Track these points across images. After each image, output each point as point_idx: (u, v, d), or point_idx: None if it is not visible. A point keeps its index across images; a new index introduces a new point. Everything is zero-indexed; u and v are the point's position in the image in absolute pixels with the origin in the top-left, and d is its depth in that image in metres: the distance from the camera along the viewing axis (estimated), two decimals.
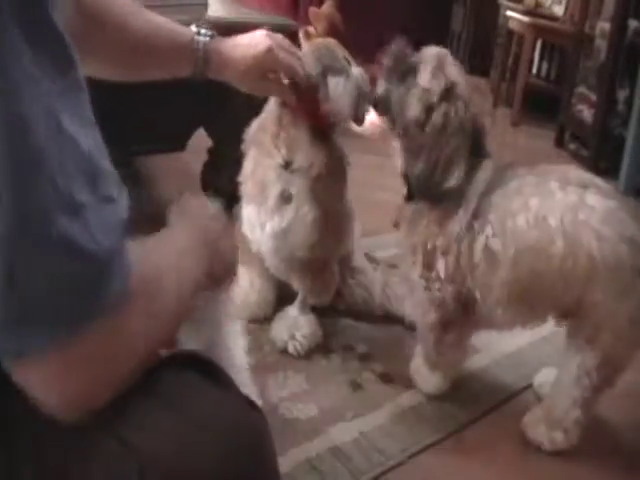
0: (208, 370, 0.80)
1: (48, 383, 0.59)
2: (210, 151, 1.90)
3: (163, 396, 0.74)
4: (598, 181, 1.22)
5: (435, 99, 1.21)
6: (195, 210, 0.90)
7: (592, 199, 1.16)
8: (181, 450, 0.68)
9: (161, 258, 0.72)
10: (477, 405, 1.40)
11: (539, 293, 1.20)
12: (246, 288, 1.59)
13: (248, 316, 1.59)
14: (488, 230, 1.19)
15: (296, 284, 1.54)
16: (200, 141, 1.91)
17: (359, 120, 1.37)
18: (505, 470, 1.25)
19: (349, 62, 1.40)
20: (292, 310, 1.54)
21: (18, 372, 0.58)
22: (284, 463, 1.14)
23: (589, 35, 3.45)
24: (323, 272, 1.52)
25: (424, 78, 1.22)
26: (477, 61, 5.09)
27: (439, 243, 1.23)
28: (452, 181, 1.20)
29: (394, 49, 1.27)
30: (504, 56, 4.36)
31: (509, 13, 4.17)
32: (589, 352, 1.20)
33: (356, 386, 1.41)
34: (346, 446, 1.23)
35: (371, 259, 1.88)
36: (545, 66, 4.33)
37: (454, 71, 1.24)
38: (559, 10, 4.09)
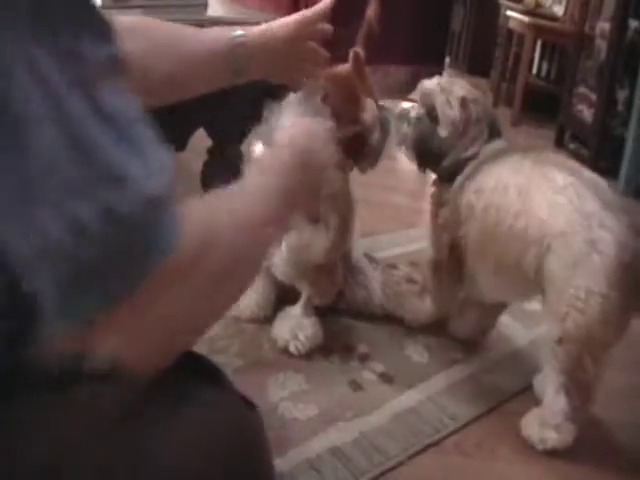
0: (206, 370, 0.80)
1: (119, 344, 0.60)
2: (210, 151, 1.91)
3: (158, 394, 0.74)
4: (578, 168, 1.34)
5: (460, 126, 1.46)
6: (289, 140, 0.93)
7: (559, 176, 1.29)
8: (176, 449, 0.68)
9: (218, 212, 0.71)
10: (477, 405, 1.40)
11: (502, 247, 1.34)
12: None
13: (249, 316, 1.59)
14: (472, 188, 1.41)
15: (303, 287, 1.54)
16: (200, 141, 1.91)
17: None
18: (505, 470, 1.25)
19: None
20: (295, 310, 1.54)
21: (87, 339, 0.58)
22: (284, 463, 1.14)
23: (589, 35, 3.45)
24: (331, 273, 1.52)
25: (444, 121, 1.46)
26: (477, 61, 5.10)
27: (443, 198, 1.49)
28: (468, 152, 1.45)
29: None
30: (504, 56, 4.37)
31: (509, 13, 4.17)
32: (558, 330, 1.25)
33: (356, 386, 1.41)
34: (346, 446, 1.23)
35: (371, 259, 1.88)
36: (545, 66, 4.33)
37: (458, 87, 1.48)
38: (559, 10, 4.09)
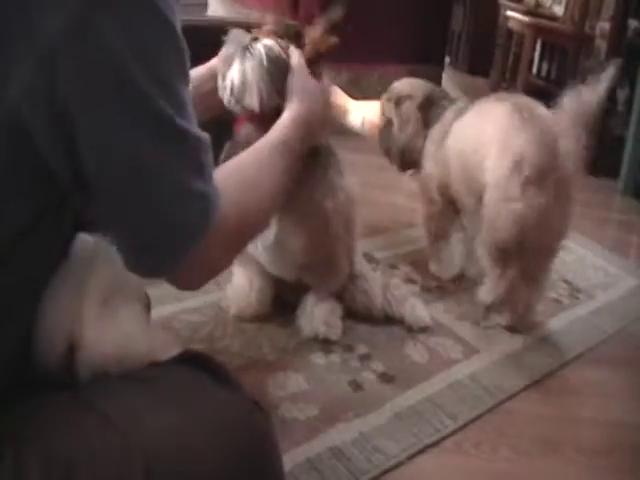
0: (216, 371, 0.81)
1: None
2: None
3: (170, 393, 0.75)
4: (532, 104, 1.59)
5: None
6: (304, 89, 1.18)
7: (498, 109, 1.61)
8: (186, 449, 0.69)
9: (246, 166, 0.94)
10: (477, 405, 1.40)
11: (470, 173, 1.64)
12: (245, 288, 1.59)
13: (249, 315, 1.59)
14: (450, 135, 1.75)
15: (308, 279, 1.56)
16: None
17: (266, 106, 1.29)
18: (505, 470, 1.25)
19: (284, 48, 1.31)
20: (309, 301, 1.56)
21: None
22: (284, 463, 1.14)
23: (589, 35, 3.45)
24: (328, 267, 1.53)
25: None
26: (477, 61, 5.09)
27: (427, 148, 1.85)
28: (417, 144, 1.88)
29: None
30: (504, 56, 4.36)
31: (509, 13, 4.17)
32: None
33: (356, 386, 1.41)
34: (346, 446, 1.23)
35: (371, 259, 1.88)
36: (545, 66, 4.32)
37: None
38: (559, 10, 4.08)
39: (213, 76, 1.31)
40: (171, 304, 1.59)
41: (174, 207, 0.73)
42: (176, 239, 0.74)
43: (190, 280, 0.81)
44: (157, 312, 1.39)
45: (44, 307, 0.76)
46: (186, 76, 0.76)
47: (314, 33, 1.32)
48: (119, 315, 0.82)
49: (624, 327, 1.78)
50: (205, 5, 2.23)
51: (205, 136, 0.77)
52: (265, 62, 1.28)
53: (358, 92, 3.23)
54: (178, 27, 0.71)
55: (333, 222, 1.47)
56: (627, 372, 1.60)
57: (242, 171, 0.92)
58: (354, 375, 1.45)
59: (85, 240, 0.82)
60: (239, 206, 0.82)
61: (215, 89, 1.30)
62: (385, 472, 1.20)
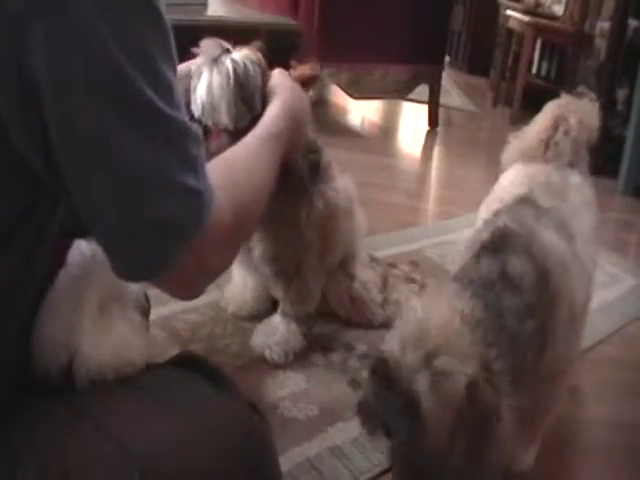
0: (213, 374, 0.80)
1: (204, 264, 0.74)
2: None
3: (166, 398, 0.74)
4: None
5: None
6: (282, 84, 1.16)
7: None
8: (182, 453, 0.69)
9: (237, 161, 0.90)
10: None
11: None
12: (240, 287, 1.59)
13: (246, 313, 1.59)
14: None
15: (277, 294, 1.51)
16: None
17: (238, 123, 1.24)
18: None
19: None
20: (274, 318, 1.51)
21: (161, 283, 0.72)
22: (284, 463, 1.14)
23: (589, 35, 3.45)
24: (294, 283, 1.45)
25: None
26: (477, 60, 5.10)
27: None
28: None
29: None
30: (504, 55, 4.36)
31: (509, 12, 4.17)
32: None
33: (356, 386, 1.41)
34: (346, 446, 1.23)
35: (371, 259, 1.88)
36: (545, 65, 4.32)
37: None
38: (559, 9, 4.08)
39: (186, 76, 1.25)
40: (171, 304, 1.59)
41: (158, 202, 0.65)
42: (163, 239, 0.67)
43: (188, 287, 0.77)
44: (157, 312, 1.40)
45: (42, 316, 0.76)
46: (171, 59, 0.68)
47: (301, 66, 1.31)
48: (116, 323, 0.82)
49: (623, 327, 1.78)
50: (205, 5, 2.23)
51: (196, 128, 0.70)
52: (232, 79, 1.22)
53: (358, 92, 3.24)
54: (162, 8, 0.66)
55: (305, 231, 1.39)
56: (626, 372, 1.60)
57: (233, 168, 0.86)
58: (354, 374, 1.45)
59: (82, 248, 0.82)
60: (234, 205, 0.76)
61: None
62: (385, 472, 1.20)
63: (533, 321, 0.97)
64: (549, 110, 1.40)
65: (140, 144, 0.63)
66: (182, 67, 1.24)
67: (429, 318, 0.92)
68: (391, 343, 0.93)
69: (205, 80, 1.23)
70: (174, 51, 0.68)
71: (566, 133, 1.34)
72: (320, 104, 1.29)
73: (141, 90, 0.62)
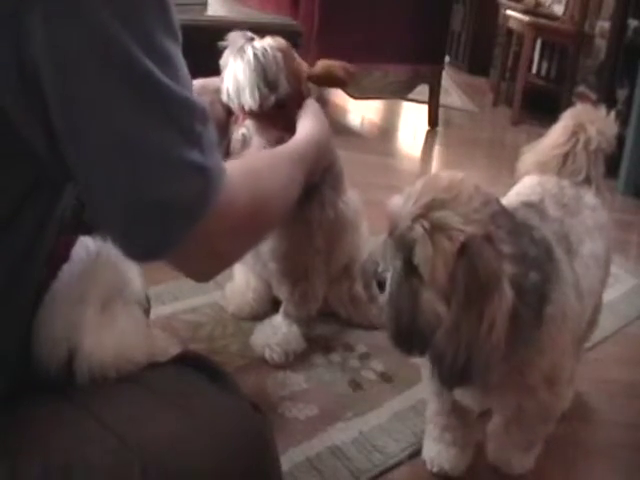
0: (214, 372, 0.81)
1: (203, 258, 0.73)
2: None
3: (167, 396, 0.74)
4: None
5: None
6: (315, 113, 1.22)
7: None
8: (183, 450, 0.69)
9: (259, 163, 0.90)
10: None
11: None
12: (242, 287, 1.59)
13: (246, 314, 1.59)
14: None
15: (281, 295, 1.51)
16: None
17: (260, 106, 1.32)
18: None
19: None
20: (275, 318, 1.51)
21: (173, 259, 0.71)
22: (284, 462, 1.14)
23: (589, 34, 3.45)
24: (300, 284, 1.46)
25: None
26: (477, 60, 5.10)
27: None
28: None
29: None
30: (504, 55, 4.37)
31: (509, 12, 4.17)
32: None
33: (356, 386, 1.41)
34: (346, 446, 1.23)
35: None
36: (545, 65, 4.32)
37: None
38: (559, 9, 4.08)
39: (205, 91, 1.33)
40: (171, 304, 1.59)
41: (162, 179, 0.64)
42: (168, 217, 0.66)
43: (199, 268, 0.76)
44: (157, 312, 1.40)
45: (44, 311, 0.76)
46: (174, 33, 0.67)
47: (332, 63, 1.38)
48: (118, 320, 0.82)
49: (624, 326, 1.78)
50: (205, 5, 2.23)
51: (202, 104, 0.68)
52: (252, 63, 1.31)
53: (358, 92, 3.23)
54: None
55: (316, 235, 1.43)
56: (628, 372, 1.60)
57: (255, 163, 0.88)
58: (354, 374, 1.45)
59: (88, 244, 0.82)
60: (251, 192, 0.75)
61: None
62: (385, 472, 1.20)
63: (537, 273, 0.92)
64: (566, 120, 1.35)
65: (141, 118, 0.63)
66: (199, 82, 1.30)
67: (441, 176, 0.89)
68: (397, 197, 0.93)
69: (231, 67, 1.34)
70: (177, 27, 0.68)
71: (586, 145, 1.29)
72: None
73: (139, 61, 0.62)
